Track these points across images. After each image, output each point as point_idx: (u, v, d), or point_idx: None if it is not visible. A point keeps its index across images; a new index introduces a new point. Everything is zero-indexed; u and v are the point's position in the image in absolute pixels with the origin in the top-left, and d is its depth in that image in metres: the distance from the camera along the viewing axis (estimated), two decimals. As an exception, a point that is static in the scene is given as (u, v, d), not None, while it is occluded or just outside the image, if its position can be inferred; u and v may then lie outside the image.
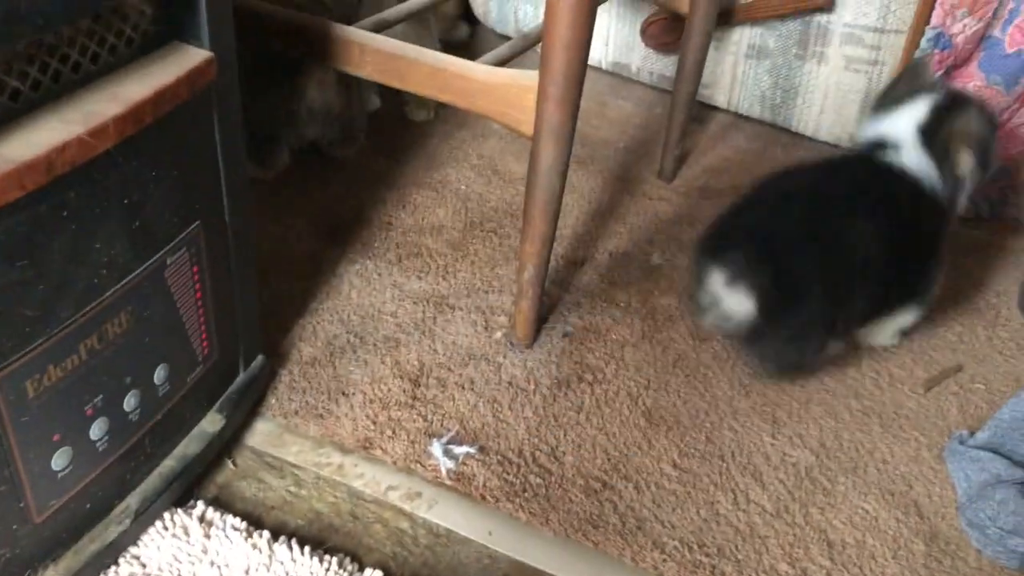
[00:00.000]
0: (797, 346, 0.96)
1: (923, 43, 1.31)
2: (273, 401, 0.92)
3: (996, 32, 1.34)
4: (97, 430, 0.68)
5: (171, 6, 0.66)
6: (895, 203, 0.93)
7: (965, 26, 1.31)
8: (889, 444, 0.95)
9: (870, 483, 0.90)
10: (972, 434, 0.91)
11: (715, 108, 1.57)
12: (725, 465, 0.91)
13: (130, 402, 0.71)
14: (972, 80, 1.39)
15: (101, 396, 0.67)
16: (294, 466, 0.86)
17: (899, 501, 0.88)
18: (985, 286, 1.20)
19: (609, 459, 0.90)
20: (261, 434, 0.89)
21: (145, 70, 0.64)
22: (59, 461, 0.66)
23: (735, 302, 0.92)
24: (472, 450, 0.89)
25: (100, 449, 0.69)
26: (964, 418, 0.99)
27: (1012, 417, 0.84)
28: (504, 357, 1.01)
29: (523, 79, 0.87)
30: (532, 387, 0.97)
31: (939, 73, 1.34)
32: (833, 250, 0.92)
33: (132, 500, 0.75)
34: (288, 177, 1.27)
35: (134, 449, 0.74)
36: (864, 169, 1.01)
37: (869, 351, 1.07)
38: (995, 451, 0.86)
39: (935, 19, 1.29)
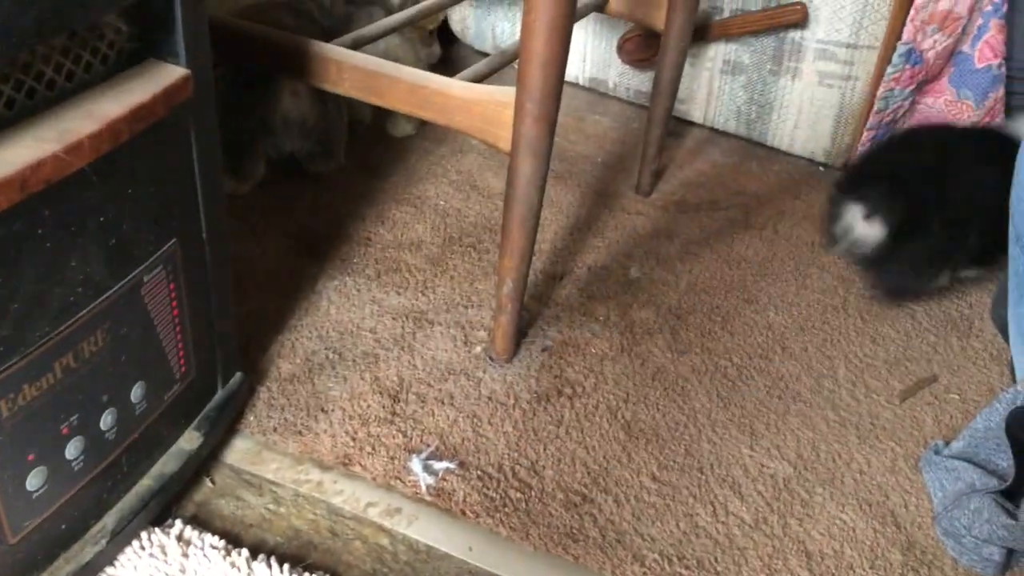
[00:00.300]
0: (915, 272, 1.15)
1: (895, 58, 1.33)
2: (251, 418, 0.92)
3: (966, 47, 1.37)
4: (73, 449, 0.68)
5: (147, 24, 0.66)
6: (1009, 161, 1.00)
7: (935, 42, 1.33)
8: (866, 454, 0.95)
9: (847, 494, 0.91)
10: (947, 444, 0.92)
11: (691, 123, 1.59)
12: (704, 477, 0.91)
13: (106, 420, 0.70)
14: (943, 95, 1.41)
15: (77, 415, 0.67)
16: (273, 483, 0.86)
17: (876, 511, 0.89)
18: (958, 297, 1.22)
19: (589, 472, 0.90)
20: (239, 451, 0.89)
21: (121, 87, 0.64)
22: (34, 481, 0.65)
23: (868, 230, 1.11)
24: (452, 465, 0.89)
25: (76, 468, 0.69)
26: (939, 428, 1.00)
27: (986, 427, 0.85)
28: (484, 372, 1.01)
29: (501, 95, 0.88)
30: (512, 401, 0.97)
31: (910, 88, 1.36)
32: (953, 192, 1.10)
33: (108, 520, 0.74)
34: (266, 193, 1.27)
35: (110, 468, 0.73)
36: (986, 133, 1.27)
37: (845, 360, 1.08)
38: (970, 460, 0.87)
39: (906, 35, 1.31)
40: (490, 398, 0.97)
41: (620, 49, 1.54)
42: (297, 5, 1.24)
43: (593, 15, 1.50)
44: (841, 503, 0.90)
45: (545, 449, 0.92)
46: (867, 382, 1.05)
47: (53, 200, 0.58)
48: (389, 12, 1.35)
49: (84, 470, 0.70)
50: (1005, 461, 0.83)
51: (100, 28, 0.63)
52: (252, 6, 1.19)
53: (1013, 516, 0.80)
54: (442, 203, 1.30)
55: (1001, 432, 0.83)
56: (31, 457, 0.64)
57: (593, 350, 1.06)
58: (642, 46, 1.50)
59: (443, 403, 0.96)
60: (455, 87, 0.91)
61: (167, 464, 0.80)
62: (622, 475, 0.90)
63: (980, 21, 1.34)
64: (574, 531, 0.84)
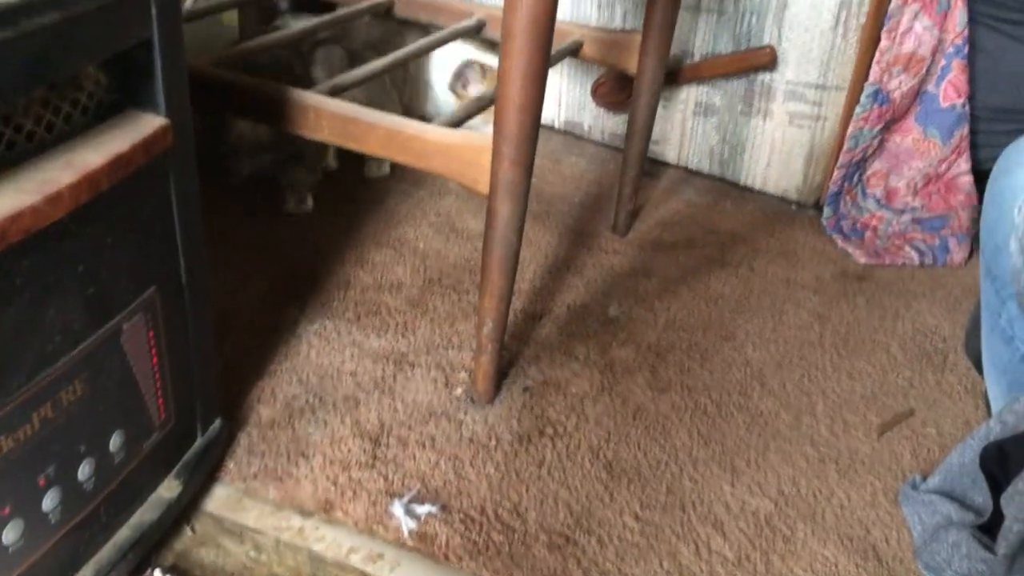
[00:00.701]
0: None
1: (862, 99, 1.36)
2: (231, 465, 0.91)
3: (931, 87, 1.40)
4: (50, 501, 0.67)
5: (127, 74, 0.67)
6: None
7: (901, 82, 1.36)
8: (846, 489, 0.96)
9: (828, 529, 0.91)
10: (924, 478, 0.93)
11: (666, 164, 1.61)
12: (686, 515, 0.91)
13: (84, 471, 0.70)
14: (911, 133, 1.45)
15: (54, 465, 0.66)
16: (254, 531, 0.85)
17: (857, 546, 0.90)
18: (932, 331, 1.23)
19: (571, 513, 0.90)
20: (219, 499, 0.88)
21: (100, 137, 0.64)
22: (10, 535, 0.64)
23: None
24: (434, 509, 0.88)
25: (53, 521, 0.68)
26: (917, 462, 1.01)
27: (960, 463, 0.86)
28: (465, 413, 1.01)
29: (478, 139, 0.89)
30: (493, 443, 0.97)
31: (878, 127, 1.39)
32: None
33: (86, 572, 0.73)
34: (245, 238, 1.27)
35: (88, 519, 0.72)
36: None
37: (823, 396, 1.09)
38: (947, 495, 0.88)
39: (872, 76, 1.34)
40: (472, 440, 0.97)
41: (594, 93, 1.56)
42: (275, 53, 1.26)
43: (567, 60, 1.52)
44: (823, 539, 0.90)
45: (527, 490, 0.92)
46: (845, 417, 1.06)
47: (32, 250, 0.58)
48: (350, 52, 1.38)
49: (61, 522, 0.69)
50: (981, 496, 0.84)
51: (80, 79, 0.64)
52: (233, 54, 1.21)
53: (991, 550, 0.80)
54: (422, 245, 1.31)
55: (975, 468, 0.84)
56: (7, 510, 0.63)
57: (574, 389, 1.06)
58: (616, 89, 1.52)
59: (424, 446, 0.96)
60: (432, 132, 0.92)
61: (146, 513, 0.79)
62: (605, 515, 0.90)
63: (943, 62, 1.37)
64: (558, 573, 0.84)
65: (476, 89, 1.45)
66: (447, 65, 1.47)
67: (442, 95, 1.50)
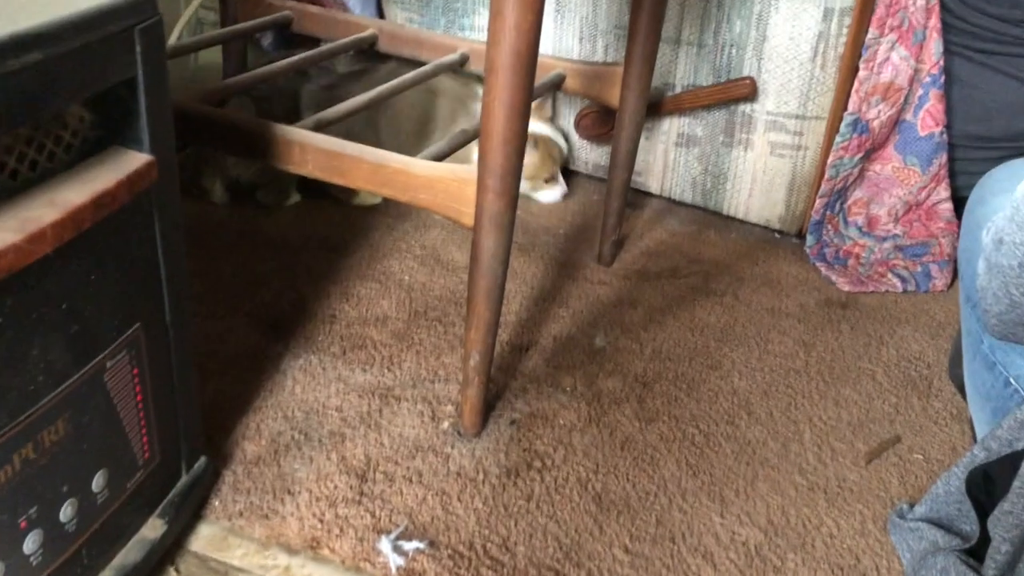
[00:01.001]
0: None
1: (842, 128, 1.38)
2: (216, 503, 0.90)
3: (909, 116, 1.43)
4: (31, 543, 0.66)
5: (110, 111, 0.67)
6: None
7: (880, 112, 1.38)
8: (835, 518, 0.96)
9: (819, 559, 0.91)
10: (912, 507, 0.93)
11: (649, 194, 1.62)
12: (676, 547, 0.91)
13: (67, 512, 0.69)
14: (891, 161, 1.46)
15: (36, 507, 0.65)
16: (239, 570, 0.84)
17: (848, 575, 0.89)
18: (916, 358, 1.24)
19: (561, 547, 0.89)
20: (204, 538, 0.87)
21: (84, 175, 0.64)
22: (-9, 578, 0.63)
23: None
24: (422, 545, 0.88)
25: (34, 563, 0.67)
26: (905, 488, 1.01)
27: (946, 491, 0.86)
28: (452, 447, 1.00)
29: (462, 173, 0.90)
30: (481, 477, 0.97)
31: (858, 156, 1.41)
32: None
33: (68, 615, 0.72)
34: (228, 273, 1.27)
35: (71, 561, 0.71)
36: None
37: (810, 424, 1.09)
38: (933, 522, 0.88)
39: (851, 106, 1.36)
40: (459, 474, 0.97)
41: (577, 125, 1.58)
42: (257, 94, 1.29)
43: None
44: (813, 568, 0.90)
45: (516, 524, 0.91)
46: (833, 445, 1.06)
47: (14, 289, 0.58)
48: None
49: (43, 564, 0.68)
50: (967, 523, 0.84)
51: (64, 117, 0.64)
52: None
53: (978, 572, 0.80)
54: (407, 278, 1.31)
55: (962, 495, 0.84)
56: (-12, 553, 0.62)
57: (561, 421, 1.06)
58: (598, 122, 1.54)
59: (411, 481, 0.95)
60: (417, 166, 0.93)
61: (129, 554, 0.78)
62: (594, 548, 0.90)
63: (920, 91, 1.40)
64: (548, 608, 0.83)
65: (528, 158, 1.43)
66: None
67: None
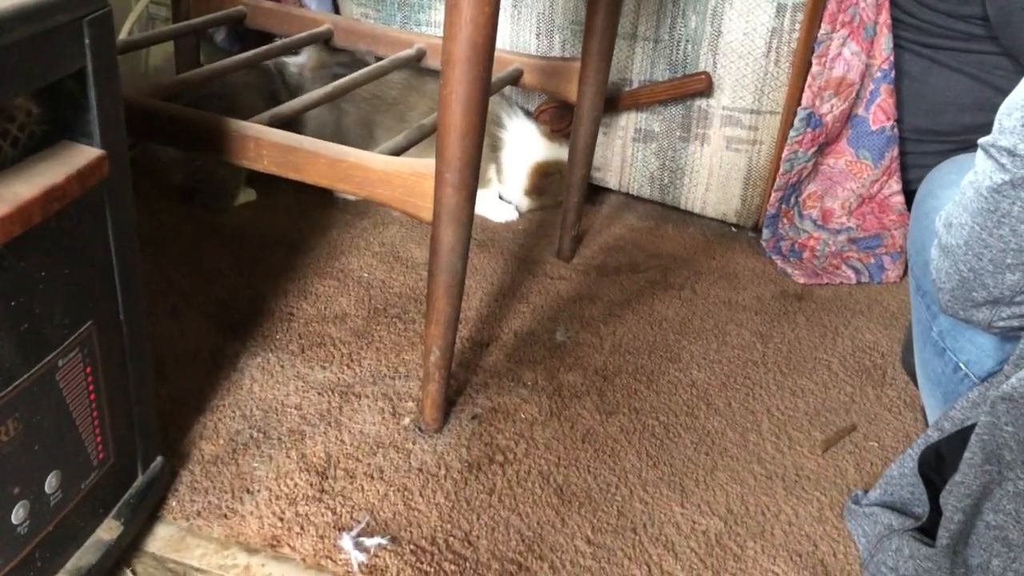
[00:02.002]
0: None
1: (796, 123, 1.40)
2: (174, 503, 0.89)
3: (861, 111, 1.45)
4: (-18, 546, 0.64)
5: (60, 105, 0.66)
6: None
7: (832, 106, 1.40)
8: (793, 506, 0.97)
9: (778, 546, 0.92)
10: (866, 492, 0.95)
11: (607, 190, 1.63)
12: (638, 537, 0.91)
13: (18, 514, 0.67)
14: (844, 155, 1.49)
15: (-14, 509, 0.64)
16: (198, 570, 0.83)
17: (807, 562, 0.91)
18: (871, 347, 1.26)
19: (523, 540, 0.89)
20: (162, 539, 0.85)
21: (33, 169, 0.63)
22: (-61, 583, 0.61)
23: None
24: (384, 541, 0.87)
25: (-15, 567, 0.65)
26: (861, 475, 1.02)
27: (900, 474, 0.88)
28: (413, 443, 1.00)
29: (420, 167, 0.89)
30: (443, 472, 0.96)
31: (812, 150, 1.43)
32: None
33: (21, 620, 0.71)
34: (184, 271, 1.25)
35: (23, 565, 0.70)
36: None
37: (767, 414, 1.10)
38: (887, 506, 0.89)
39: (805, 101, 1.38)
40: (420, 470, 0.96)
41: (535, 120, 1.58)
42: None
43: (508, 88, 1.54)
44: (772, 555, 0.91)
45: (478, 519, 0.91)
46: (790, 434, 1.08)
47: (-39, 286, 0.57)
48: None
49: (-6, 568, 0.66)
50: (920, 508, 0.86)
51: (10, 111, 0.62)
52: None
53: (931, 546, 0.82)
54: (366, 275, 1.30)
55: (915, 477, 0.86)
56: (-64, 557, 0.61)
57: (522, 415, 1.06)
58: (556, 117, 1.54)
59: (373, 477, 0.95)
60: (374, 160, 0.92)
61: (84, 556, 0.77)
62: (557, 540, 0.90)
63: (871, 86, 1.42)
64: (511, 601, 0.83)
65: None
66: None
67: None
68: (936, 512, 0.82)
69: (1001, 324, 0.78)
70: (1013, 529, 0.76)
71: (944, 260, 0.80)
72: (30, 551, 0.70)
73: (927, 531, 0.85)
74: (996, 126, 0.73)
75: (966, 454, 0.76)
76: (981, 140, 0.75)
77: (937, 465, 0.86)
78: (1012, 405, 0.73)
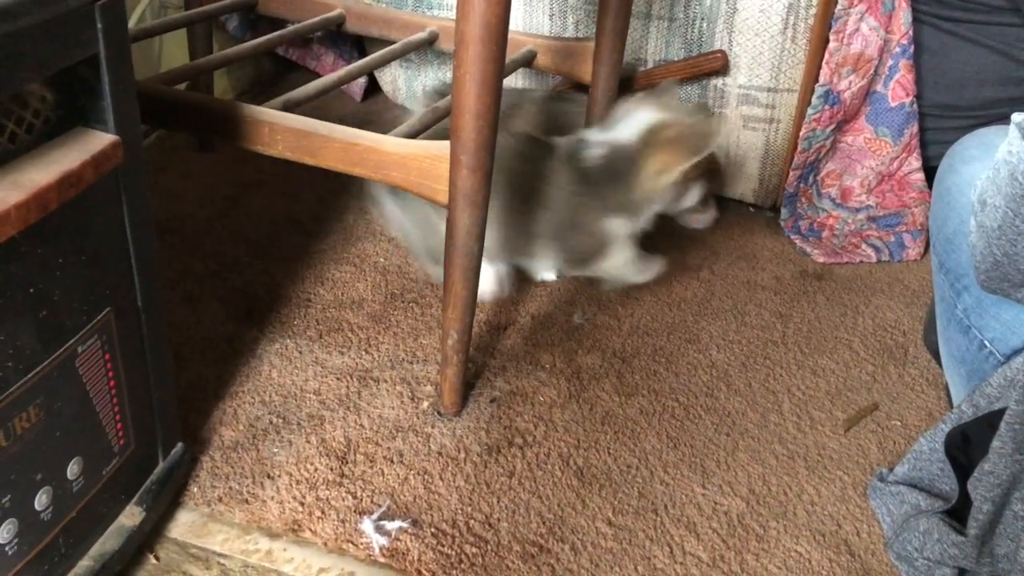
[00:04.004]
0: None
1: (814, 100, 1.38)
2: (195, 489, 0.89)
3: (879, 88, 1.43)
4: (6, 533, 0.65)
5: (74, 92, 0.66)
6: None
7: (851, 83, 1.38)
8: (816, 485, 0.96)
9: (800, 526, 0.91)
10: (891, 470, 0.94)
11: (624, 171, 1.62)
12: (659, 519, 0.91)
13: (41, 500, 0.68)
14: (862, 133, 1.47)
15: (10, 496, 0.64)
16: (220, 555, 0.83)
17: (830, 541, 0.90)
18: (892, 326, 1.25)
19: (544, 522, 0.89)
20: (184, 524, 0.86)
21: (48, 156, 0.63)
22: (-35, 569, 0.62)
23: None
24: (405, 524, 0.87)
25: (10, 553, 0.66)
26: (884, 455, 1.01)
27: (931, 448, 0.86)
28: (432, 427, 1.00)
29: (435, 149, 0.89)
30: (462, 455, 0.96)
31: (830, 127, 1.41)
32: None
33: (46, 605, 0.71)
34: (200, 259, 1.25)
35: (47, 550, 0.70)
36: None
37: (788, 394, 1.09)
38: (914, 485, 0.88)
39: (822, 78, 1.36)
40: (440, 453, 0.96)
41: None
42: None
43: (522, 70, 1.53)
44: (795, 535, 0.90)
45: (499, 501, 0.91)
46: (811, 414, 1.07)
47: (-21, 273, 0.57)
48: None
49: (18, 554, 0.67)
50: (948, 485, 0.85)
51: (25, 97, 0.62)
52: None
53: (962, 534, 0.81)
54: (382, 260, 1.30)
55: (943, 455, 0.85)
56: (-39, 543, 0.61)
57: (541, 398, 1.05)
58: (571, 98, 1.53)
59: (392, 461, 0.95)
60: (389, 143, 0.92)
61: (107, 542, 0.77)
62: (577, 522, 0.90)
63: (890, 62, 1.40)
64: (533, 583, 0.83)
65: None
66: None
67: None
68: (964, 495, 0.81)
69: None
70: (1041, 520, 0.75)
71: (980, 239, 0.78)
72: (54, 537, 0.70)
73: (954, 513, 0.84)
74: None
75: (995, 443, 0.75)
76: (1016, 118, 0.72)
77: (963, 445, 0.85)
78: None
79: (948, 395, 1.04)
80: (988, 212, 0.75)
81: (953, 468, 0.84)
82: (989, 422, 0.77)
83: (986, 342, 0.87)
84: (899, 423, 1.06)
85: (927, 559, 0.82)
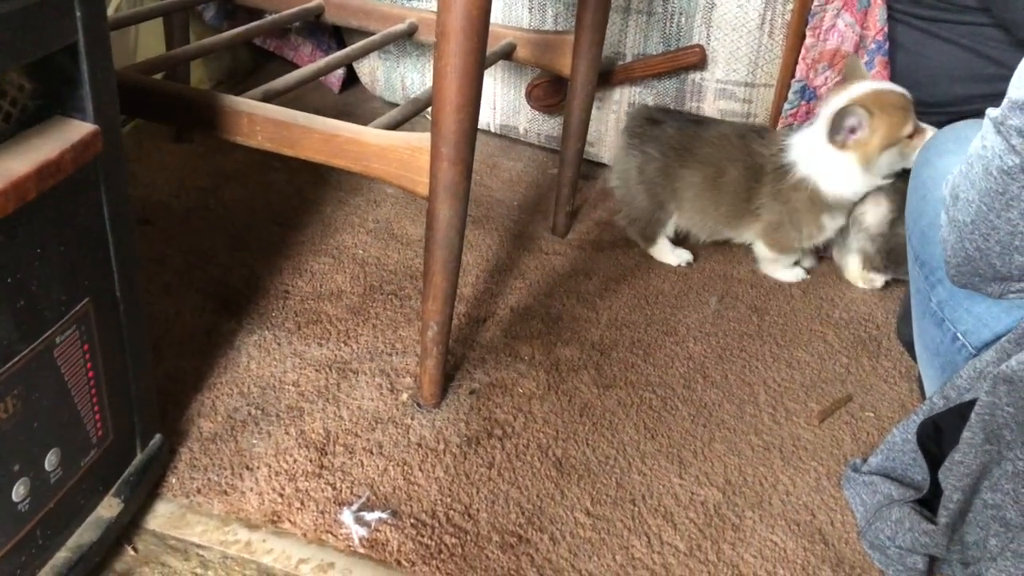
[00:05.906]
0: None
1: (790, 95, 1.39)
2: (174, 481, 0.89)
3: (854, 83, 1.44)
4: (-17, 524, 0.64)
5: (52, 80, 0.65)
6: None
7: (827, 79, 1.40)
8: (791, 476, 0.98)
9: (776, 515, 0.93)
10: (865, 460, 0.95)
11: (602, 164, 1.62)
12: (637, 509, 0.92)
13: (19, 491, 0.67)
14: (837, 128, 1.48)
15: (-13, 487, 0.64)
16: (199, 547, 0.83)
17: (804, 530, 0.91)
18: (866, 319, 1.27)
19: (523, 512, 0.90)
20: (162, 516, 0.85)
21: (26, 145, 0.62)
22: (-58, 560, 0.61)
23: None
24: (384, 515, 0.87)
25: (-13, 544, 0.65)
26: (857, 445, 1.03)
27: (904, 439, 0.88)
28: (412, 418, 1.00)
29: (416, 141, 0.89)
30: (442, 447, 0.97)
31: (807, 123, 1.42)
32: None
33: (24, 597, 0.71)
34: (179, 251, 1.24)
35: (24, 542, 0.70)
36: None
37: (764, 385, 1.11)
38: (887, 475, 0.90)
39: (799, 73, 1.38)
40: (420, 444, 0.97)
41: (529, 95, 1.57)
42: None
43: (501, 63, 1.53)
44: (771, 525, 0.91)
45: (478, 492, 0.92)
46: (787, 405, 1.08)
47: (-43, 262, 0.56)
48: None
49: (-4, 546, 0.66)
50: (920, 475, 0.86)
51: (2, 85, 0.61)
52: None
53: (932, 522, 0.83)
54: (360, 252, 1.30)
55: (915, 445, 0.86)
56: (-62, 535, 0.61)
57: (520, 390, 1.06)
58: (550, 92, 1.53)
59: (372, 453, 0.95)
60: (370, 135, 0.91)
61: (85, 534, 0.77)
62: (556, 512, 0.90)
63: (866, 58, 1.41)
64: (512, 573, 0.83)
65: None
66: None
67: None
68: (935, 485, 0.82)
69: (1012, 296, 0.78)
70: (1011, 509, 0.77)
71: (951, 233, 0.78)
72: (31, 528, 0.70)
73: (926, 503, 0.85)
74: (1006, 101, 0.70)
75: (966, 433, 0.76)
76: (991, 112, 0.72)
77: (935, 436, 0.87)
78: (1012, 387, 0.73)
79: (920, 387, 1.06)
80: (961, 207, 0.76)
81: (925, 458, 0.86)
82: (960, 413, 0.78)
83: (959, 335, 0.88)
84: (872, 414, 1.08)
85: (899, 547, 0.84)
